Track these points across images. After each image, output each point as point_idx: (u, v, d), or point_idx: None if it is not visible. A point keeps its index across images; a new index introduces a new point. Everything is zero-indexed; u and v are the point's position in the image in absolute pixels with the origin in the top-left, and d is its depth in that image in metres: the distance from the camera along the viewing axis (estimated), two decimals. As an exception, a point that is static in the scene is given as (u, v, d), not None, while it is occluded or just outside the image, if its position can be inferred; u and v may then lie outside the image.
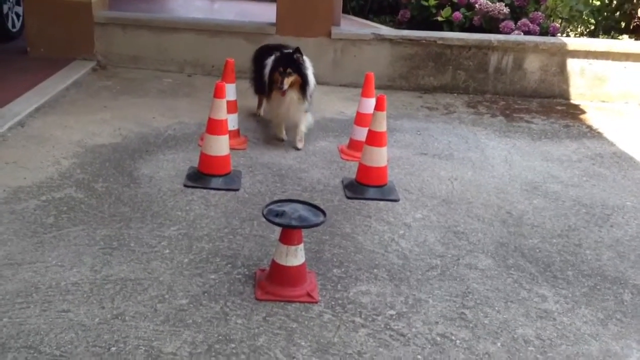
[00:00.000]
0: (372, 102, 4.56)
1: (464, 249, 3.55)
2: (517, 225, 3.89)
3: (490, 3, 7.66)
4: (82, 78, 6.10)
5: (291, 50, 4.56)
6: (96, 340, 2.56)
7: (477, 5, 7.69)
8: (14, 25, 7.24)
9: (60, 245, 3.24)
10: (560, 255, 3.57)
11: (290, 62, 4.49)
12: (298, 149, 4.76)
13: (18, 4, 7.22)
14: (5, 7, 6.92)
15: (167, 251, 3.27)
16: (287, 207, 3.03)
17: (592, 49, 6.75)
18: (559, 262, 3.48)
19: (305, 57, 4.64)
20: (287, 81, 4.46)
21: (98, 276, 3.00)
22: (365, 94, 4.82)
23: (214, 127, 4.08)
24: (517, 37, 7.01)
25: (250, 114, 5.44)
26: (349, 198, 4.09)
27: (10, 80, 5.72)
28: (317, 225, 3.00)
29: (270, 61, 4.66)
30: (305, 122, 4.82)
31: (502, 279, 3.28)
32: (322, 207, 3.09)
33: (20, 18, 7.28)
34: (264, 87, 4.79)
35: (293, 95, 4.56)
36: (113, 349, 2.53)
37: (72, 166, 4.19)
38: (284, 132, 4.90)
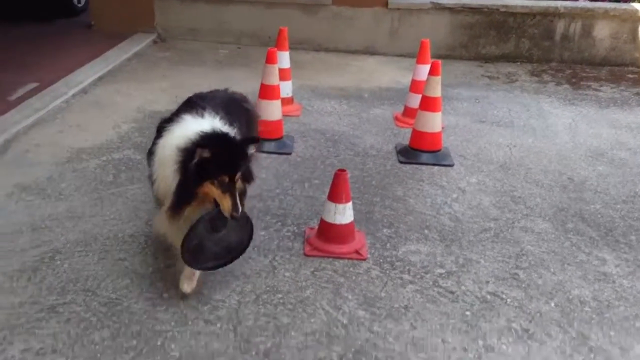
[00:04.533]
0: (427, 68, 4.45)
1: (520, 213, 3.43)
2: (578, 190, 3.72)
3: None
4: (143, 50, 6.27)
5: (241, 140, 2.52)
6: (150, 287, 2.64)
7: None
8: (79, 1, 7.50)
9: (118, 201, 3.36)
10: (624, 220, 3.39)
11: (241, 161, 2.43)
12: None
13: (83, -20, 7.49)
14: (71, -16, 7.19)
15: (219, 209, 3.32)
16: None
17: (668, 13, 6.35)
18: (622, 227, 3.31)
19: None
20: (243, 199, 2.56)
21: (153, 230, 3.09)
22: (420, 61, 4.72)
23: (265, 92, 4.12)
24: (585, 3, 6.67)
25: (305, 84, 5.41)
26: (401, 162, 4.02)
27: (75, 51, 5.94)
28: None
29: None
30: None
31: (559, 242, 3.15)
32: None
33: (86, -6, 7.53)
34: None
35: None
36: (165, 295, 2.60)
37: (131, 130, 4.32)
38: (194, 281, 2.60)
